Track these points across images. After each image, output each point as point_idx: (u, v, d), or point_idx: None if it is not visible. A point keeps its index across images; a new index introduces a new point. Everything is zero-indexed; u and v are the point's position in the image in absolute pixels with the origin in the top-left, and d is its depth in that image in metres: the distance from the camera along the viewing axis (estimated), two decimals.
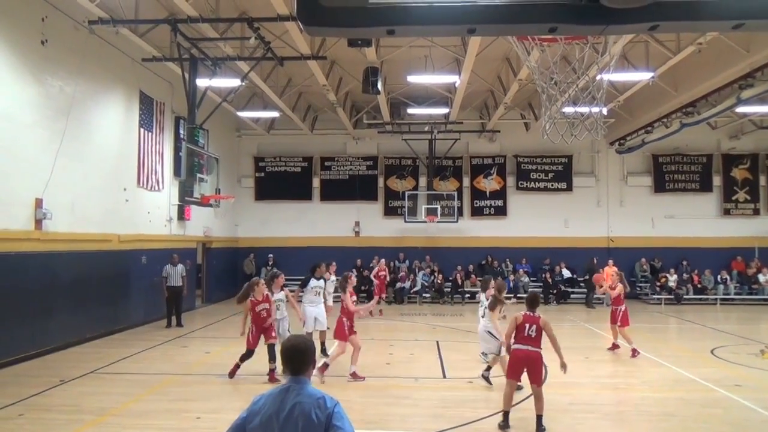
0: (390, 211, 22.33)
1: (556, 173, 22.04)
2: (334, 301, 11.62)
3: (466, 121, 20.68)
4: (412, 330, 14.41)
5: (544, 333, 6.56)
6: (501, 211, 22.16)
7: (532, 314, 6.62)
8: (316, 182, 22.61)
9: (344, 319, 8.95)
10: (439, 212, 20.62)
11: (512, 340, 6.70)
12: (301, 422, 2.62)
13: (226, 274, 20.86)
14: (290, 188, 22.49)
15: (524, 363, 6.54)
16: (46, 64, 10.73)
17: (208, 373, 9.23)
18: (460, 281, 20.35)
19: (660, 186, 21.86)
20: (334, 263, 14.05)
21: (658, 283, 20.04)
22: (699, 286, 20.19)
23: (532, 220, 21.81)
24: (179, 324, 14.12)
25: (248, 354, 8.78)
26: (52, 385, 8.38)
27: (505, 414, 6.60)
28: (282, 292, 9.35)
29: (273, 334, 8.88)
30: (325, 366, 8.79)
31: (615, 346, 11.28)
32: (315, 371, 8.65)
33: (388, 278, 19.25)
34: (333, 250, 19.99)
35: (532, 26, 3.72)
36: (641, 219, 21.70)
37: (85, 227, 11.94)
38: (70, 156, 11.41)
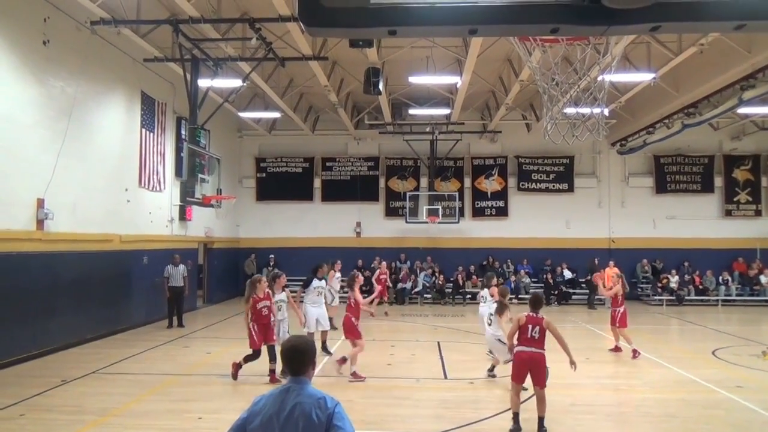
0: (391, 212, 22.33)
1: (558, 174, 22.03)
2: (340, 301, 11.67)
3: (467, 122, 20.66)
4: (413, 331, 14.40)
5: (547, 334, 6.49)
6: (502, 212, 22.15)
7: (535, 315, 6.56)
8: (317, 183, 22.62)
9: (352, 318, 9.02)
10: (440, 213, 20.62)
11: (515, 342, 6.67)
12: (302, 422, 2.62)
13: (227, 275, 20.88)
14: (291, 189, 22.50)
15: (528, 365, 6.48)
16: (48, 64, 10.75)
17: (210, 374, 9.23)
18: (461, 282, 20.34)
19: (661, 187, 21.84)
20: (339, 262, 14.19)
21: (660, 284, 20.01)
22: (700, 287, 20.16)
23: (534, 221, 21.80)
24: (180, 324, 14.13)
25: (255, 355, 8.65)
26: (54, 386, 8.39)
27: (515, 415, 6.56)
28: (283, 292, 9.34)
29: (273, 335, 8.84)
30: (343, 359, 8.87)
31: (617, 348, 11.25)
32: (334, 363, 8.68)
33: (388, 282, 19.25)
34: (334, 250, 19.98)
35: (533, 27, 3.72)
36: (643, 220, 21.68)
37: (87, 227, 11.95)
38: (72, 156, 11.42)
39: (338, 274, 13.75)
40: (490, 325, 8.83)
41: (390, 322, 15.79)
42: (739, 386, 8.57)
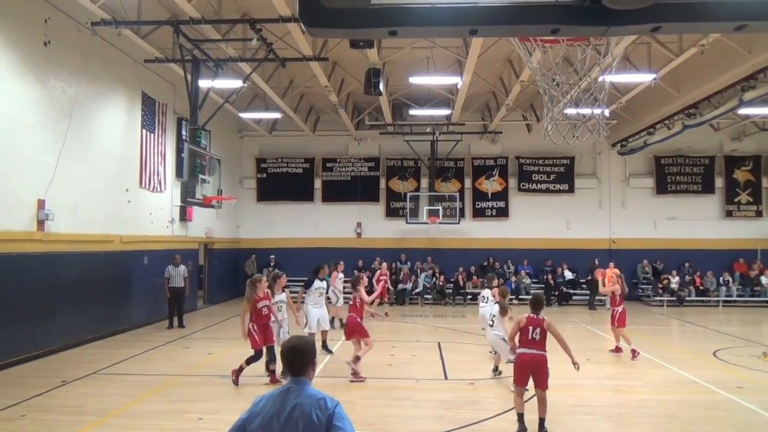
0: (392, 213, 22.33)
1: (558, 175, 22.02)
2: (345, 301, 11.70)
3: (467, 123, 20.64)
4: (413, 331, 14.40)
5: (549, 335, 6.47)
6: (503, 213, 22.15)
7: (535, 317, 6.52)
8: (317, 183, 22.62)
9: (357, 318, 9.05)
10: (440, 213, 20.65)
11: (517, 343, 6.65)
12: (302, 423, 2.62)
13: (227, 275, 20.89)
14: (292, 189, 22.50)
15: (530, 367, 6.45)
16: (49, 65, 10.76)
17: (210, 374, 9.23)
18: (461, 282, 20.33)
19: (662, 187, 21.83)
20: (342, 262, 14.21)
21: (660, 285, 19.99)
22: (701, 288, 20.14)
23: (534, 222, 21.78)
24: (181, 325, 14.13)
25: (257, 356, 8.60)
26: (54, 386, 8.39)
27: (520, 416, 6.53)
28: (283, 293, 9.33)
29: (272, 336, 8.83)
30: (357, 358, 8.87)
31: (618, 349, 11.24)
32: (349, 361, 8.70)
33: (388, 283, 19.22)
34: (335, 251, 19.96)
35: (534, 27, 3.72)
36: (643, 221, 21.67)
37: (87, 228, 11.95)
38: (73, 157, 11.43)
39: (341, 275, 13.81)
40: (492, 325, 8.83)
41: (390, 322, 15.79)
42: (739, 387, 8.56)
